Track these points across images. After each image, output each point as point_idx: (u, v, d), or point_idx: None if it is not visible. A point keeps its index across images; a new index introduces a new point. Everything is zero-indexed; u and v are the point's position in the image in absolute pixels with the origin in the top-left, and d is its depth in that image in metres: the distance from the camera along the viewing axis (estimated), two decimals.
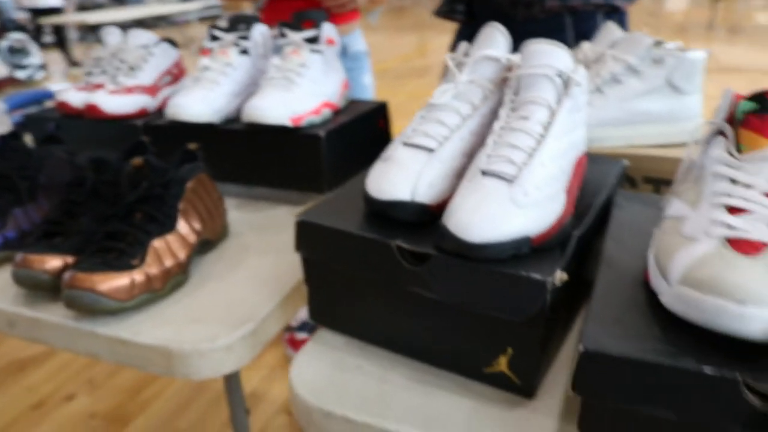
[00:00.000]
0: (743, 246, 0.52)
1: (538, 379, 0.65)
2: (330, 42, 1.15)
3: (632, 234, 0.69)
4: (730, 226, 0.54)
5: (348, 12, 1.70)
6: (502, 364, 0.65)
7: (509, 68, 0.76)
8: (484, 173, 0.64)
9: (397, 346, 0.72)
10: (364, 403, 0.66)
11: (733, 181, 0.57)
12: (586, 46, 1.08)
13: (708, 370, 0.48)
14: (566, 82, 0.69)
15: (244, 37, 1.17)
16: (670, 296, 0.54)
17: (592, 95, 1.00)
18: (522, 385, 0.65)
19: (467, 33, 1.36)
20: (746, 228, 0.53)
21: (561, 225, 0.65)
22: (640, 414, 0.52)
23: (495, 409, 0.65)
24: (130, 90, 1.26)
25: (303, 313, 2.00)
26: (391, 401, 0.66)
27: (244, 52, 1.16)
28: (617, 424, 0.53)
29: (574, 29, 1.31)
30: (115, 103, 1.23)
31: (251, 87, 1.17)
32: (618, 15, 1.36)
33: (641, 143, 1.00)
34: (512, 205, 0.61)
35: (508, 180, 0.62)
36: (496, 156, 0.65)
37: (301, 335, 2.01)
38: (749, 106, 0.61)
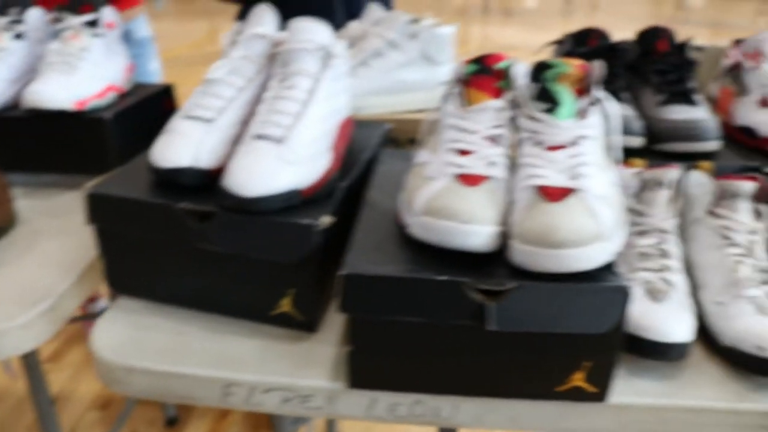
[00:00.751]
0: (468, 179, 0.65)
1: (318, 315, 0.75)
2: (110, 26, 1.16)
3: (391, 183, 0.80)
4: (458, 165, 0.66)
5: None
6: (285, 305, 0.73)
7: (278, 44, 0.84)
8: (257, 137, 0.71)
9: (192, 302, 0.78)
10: (162, 355, 0.72)
11: (461, 130, 0.70)
12: (353, 25, 1.19)
13: (443, 277, 0.60)
14: (327, 55, 0.78)
15: (18, 21, 1.15)
16: (414, 225, 0.65)
17: (358, 68, 1.11)
18: (305, 321, 0.74)
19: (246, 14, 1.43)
20: (470, 165, 0.66)
21: (328, 178, 0.75)
22: (395, 322, 0.63)
23: (283, 345, 0.73)
24: None
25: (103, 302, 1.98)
26: (187, 350, 0.73)
27: (19, 36, 1.14)
28: (379, 334, 0.64)
29: (344, 12, 1.42)
30: None
31: (29, 74, 1.15)
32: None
33: (403, 109, 1.13)
34: (281, 162, 0.69)
35: (277, 141, 0.71)
36: (266, 122, 0.73)
37: None
38: (472, 68, 0.73)
